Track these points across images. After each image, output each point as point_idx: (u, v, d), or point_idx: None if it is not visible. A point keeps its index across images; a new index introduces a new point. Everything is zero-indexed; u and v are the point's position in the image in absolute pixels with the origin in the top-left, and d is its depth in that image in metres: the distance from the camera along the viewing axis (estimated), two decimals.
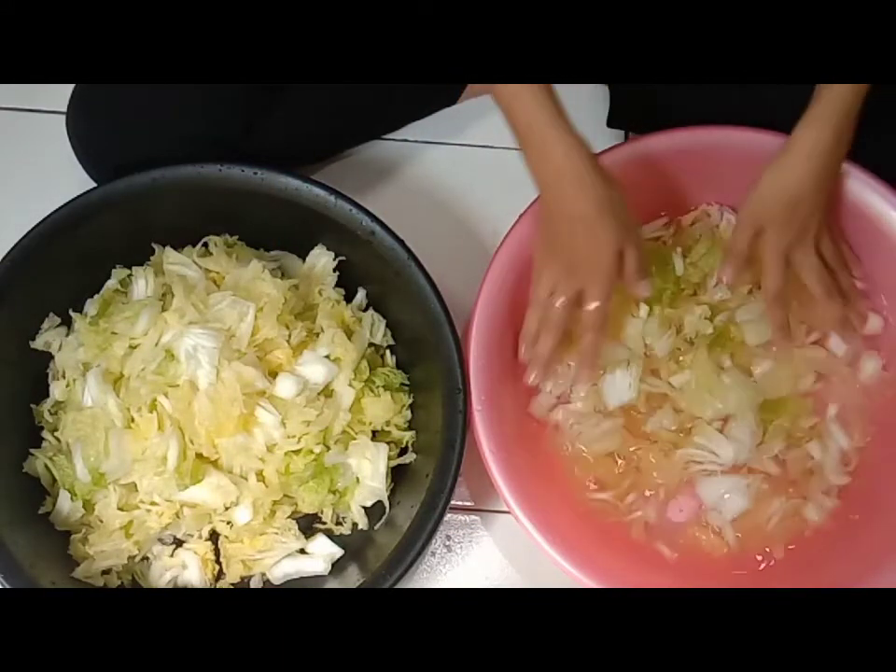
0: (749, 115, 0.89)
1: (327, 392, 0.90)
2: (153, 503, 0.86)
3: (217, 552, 0.90)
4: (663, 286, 0.92)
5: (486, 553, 0.97)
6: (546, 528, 0.85)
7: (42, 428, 0.90)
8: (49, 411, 0.90)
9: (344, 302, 0.94)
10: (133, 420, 0.85)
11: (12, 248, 0.86)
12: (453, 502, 0.86)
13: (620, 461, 0.92)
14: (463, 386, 0.85)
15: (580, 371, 0.89)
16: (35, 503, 0.88)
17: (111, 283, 0.92)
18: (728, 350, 0.92)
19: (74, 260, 0.89)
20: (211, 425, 0.84)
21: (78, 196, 0.87)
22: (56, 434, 0.88)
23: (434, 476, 0.84)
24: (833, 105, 0.80)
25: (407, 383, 0.94)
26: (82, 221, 0.87)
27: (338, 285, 0.95)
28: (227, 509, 0.88)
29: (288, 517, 0.89)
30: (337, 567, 0.90)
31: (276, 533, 0.89)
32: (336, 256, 0.94)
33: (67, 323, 0.91)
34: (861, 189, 0.89)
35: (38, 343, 0.90)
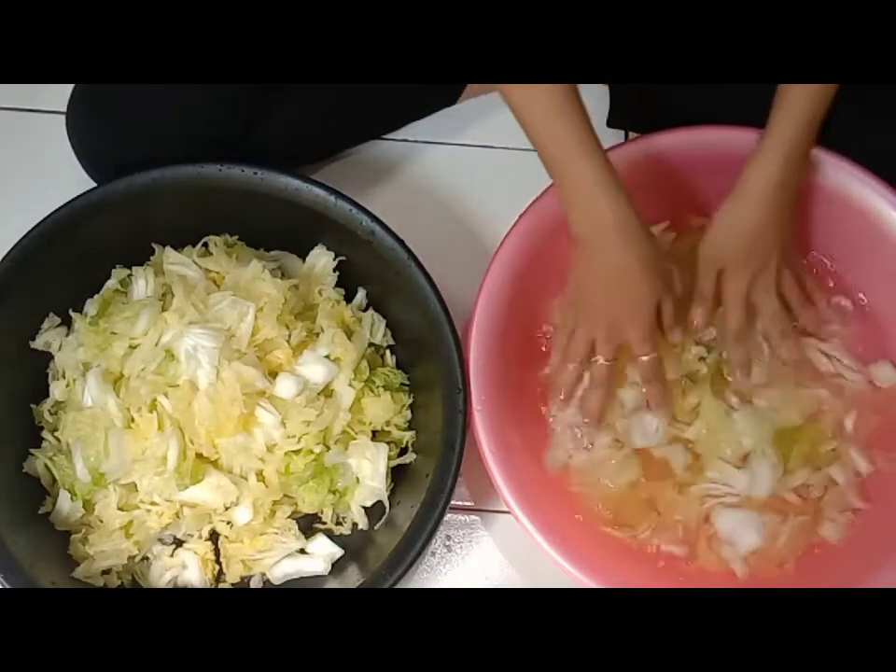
0: (748, 115, 0.89)
1: (327, 392, 0.90)
2: (153, 503, 0.86)
3: (217, 552, 0.90)
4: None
5: (486, 553, 0.97)
6: (546, 528, 0.85)
7: (42, 428, 0.90)
8: (49, 411, 0.90)
9: (344, 302, 0.94)
10: (133, 420, 0.85)
11: (12, 248, 0.86)
12: (453, 502, 0.86)
13: (639, 496, 0.91)
14: (463, 386, 0.85)
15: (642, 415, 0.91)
16: (35, 503, 0.88)
17: (111, 283, 0.92)
18: (728, 387, 0.91)
19: (74, 260, 0.89)
20: (211, 425, 0.84)
21: (78, 196, 0.87)
22: (56, 434, 0.88)
23: (434, 476, 0.84)
24: (780, 138, 0.82)
25: (407, 383, 0.94)
26: (82, 221, 0.87)
27: (338, 285, 0.95)
28: (227, 509, 0.88)
29: (288, 517, 0.89)
30: (337, 567, 0.90)
31: (276, 533, 0.89)
32: (336, 256, 0.94)
33: (67, 323, 0.91)
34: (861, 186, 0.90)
35: (38, 343, 0.90)
